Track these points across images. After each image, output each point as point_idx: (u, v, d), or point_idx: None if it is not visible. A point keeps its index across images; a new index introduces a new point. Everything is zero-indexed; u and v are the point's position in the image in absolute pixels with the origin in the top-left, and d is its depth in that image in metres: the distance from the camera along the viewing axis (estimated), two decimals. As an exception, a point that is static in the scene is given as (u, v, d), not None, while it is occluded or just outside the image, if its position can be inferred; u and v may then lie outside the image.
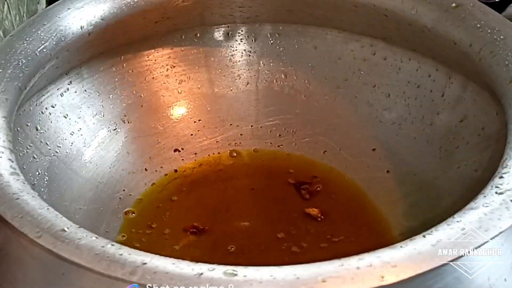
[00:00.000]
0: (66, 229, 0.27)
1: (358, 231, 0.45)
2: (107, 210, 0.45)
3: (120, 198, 0.46)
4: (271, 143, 0.52)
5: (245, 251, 0.43)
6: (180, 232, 0.45)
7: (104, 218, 0.45)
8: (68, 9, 0.42)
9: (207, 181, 0.49)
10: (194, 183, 0.49)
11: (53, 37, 0.40)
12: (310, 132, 0.51)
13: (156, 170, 0.49)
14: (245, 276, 0.24)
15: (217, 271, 0.25)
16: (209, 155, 0.51)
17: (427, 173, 0.46)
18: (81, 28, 0.42)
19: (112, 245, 0.26)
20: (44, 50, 0.39)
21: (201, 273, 0.25)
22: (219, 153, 0.51)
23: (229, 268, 0.25)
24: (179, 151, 0.50)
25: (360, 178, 0.48)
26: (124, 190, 0.47)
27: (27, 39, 0.39)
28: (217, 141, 0.51)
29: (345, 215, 0.46)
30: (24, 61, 0.38)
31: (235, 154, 0.51)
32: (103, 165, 0.47)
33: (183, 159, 0.50)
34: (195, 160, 0.50)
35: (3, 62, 0.37)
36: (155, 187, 0.48)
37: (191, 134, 0.51)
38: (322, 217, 0.45)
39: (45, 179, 0.42)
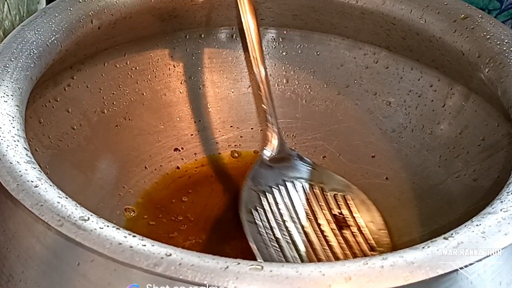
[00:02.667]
0: (87, 218, 0.27)
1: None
2: (107, 207, 0.45)
3: (119, 195, 0.46)
4: (270, 146, 0.52)
5: (246, 252, 0.43)
6: (179, 231, 0.45)
7: (104, 214, 0.44)
8: (80, 1, 0.41)
9: (206, 181, 0.49)
10: (193, 183, 0.49)
11: (64, 29, 0.40)
12: (309, 136, 0.52)
13: (156, 169, 0.49)
14: (270, 271, 0.25)
15: (243, 265, 0.25)
16: (209, 155, 0.51)
17: (426, 181, 0.47)
18: (91, 22, 0.42)
19: (134, 236, 0.26)
20: (56, 42, 0.39)
21: (227, 267, 0.25)
22: (219, 153, 0.51)
23: (255, 263, 0.25)
24: (179, 150, 0.50)
25: (359, 184, 0.48)
26: (124, 187, 0.47)
27: (39, 29, 0.39)
28: (217, 142, 0.51)
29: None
30: (35, 52, 0.37)
31: (236, 155, 0.51)
32: (104, 161, 0.46)
33: (183, 159, 0.50)
34: (195, 160, 0.50)
35: (15, 51, 0.37)
36: (155, 186, 0.48)
37: (192, 134, 0.51)
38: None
39: (47, 172, 0.41)
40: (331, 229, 0.42)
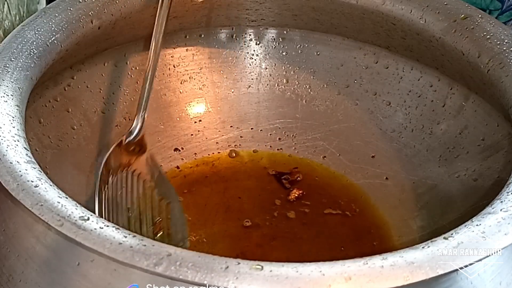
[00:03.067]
0: (87, 218, 0.27)
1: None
2: (107, 206, 0.45)
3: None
4: (270, 146, 0.52)
5: (246, 252, 0.43)
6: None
7: (104, 214, 0.44)
8: (80, 2, 0.41)
9: (206, 181, 0.49)
10: (193, 183, 0.49)
11: (64, 29, 0.40)
12: (310, 136, 0.52)
13: (155, 169, 0.49)
14: (271, 271, 0.25)
15: (243, 265, 0.25)
16: (209, 155, 0.51)
17: (426, 181, 0.47)
18: (91, 22, 0.41)
19: (134, 236, 0.26)
20: (55, 41, 0.39)
21: (227, 267, 0.25)
22: (219, 153, 0.51)
23: (255, 263, 0.25)
24: (179, 150, 0.50)
25: (359, 184, 0.49)
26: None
27: (39, 29, 0.38)
28: (217, 142, 0.51)
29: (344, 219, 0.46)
30: (35, 51, 0.37)
31: (234, 155, 0.51)
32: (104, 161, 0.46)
33: (182, 159, 0.50)
34: (195, 159, 0.50)
35: (15, 51, 0.37)
36: (155, 185, 0.48)
37: (191, 134, 0.51)
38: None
39: (46, 172, 0.41)
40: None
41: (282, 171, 0.50)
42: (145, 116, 0.44)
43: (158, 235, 0.43)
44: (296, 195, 0.48)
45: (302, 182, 0.49)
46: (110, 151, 0.44)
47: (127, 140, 0.45)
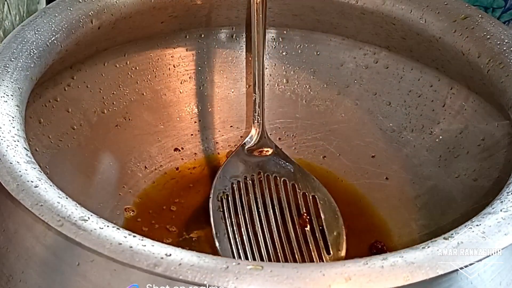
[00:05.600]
0: (87, 218, 0.27)
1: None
2: (107, 207, 0.45)
3: (120, 195, 0.46)
4: (270, 146, 0.52)
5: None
6: (178, 231, 0.45)
7: (104, 214, 0.44)
8: (80, 2, 0.41)
9: (206, 181, 0.49)
10: (193, 183, 0.49)
11: (64, 29, 0.40)
12: (310, 136, 0.52)
13: (155, 169, 0.49)
14: (271, 271, 0.25)
15: (243, 265, 0.25)
16: (209, 155, 0.51)
17: (427, 181, 0.47)
18: (91, 22, 0.41)
19: (134, 236, 0.26)
20: (55, 41, 0.39)
21: (227, 267, 0.25)
22: (218, 153, 0.51)
23: (255, 263, 0.25)
24: (179, 150, 0.50)
25: (359, 184, 0.49)
26: (124, 187, 0.47)
27: (39, 29, 0.38)
28: (217, 142, 0.51)
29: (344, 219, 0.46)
30: (35, 52, 0.37)
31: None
32: (104, 161, 0.46)
33: (182, 159, 0.50)
34: (195, 159, 0.50)
35: (15, 51, 0.37)
36: (155, 186, 0.48)
37: (192, 134, 0.51)
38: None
39: (46, 172, 0.41)
40: (294, 227, 0.43)
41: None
42: (262, 120, 0.46)
43: (306, 228, 0.43)
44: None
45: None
46: (225, 162, 0.46)
47: (247, 147, 0.47)
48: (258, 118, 0.47)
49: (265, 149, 0.48)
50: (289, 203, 0.44)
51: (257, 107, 0.46)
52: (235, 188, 0.44)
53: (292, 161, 0.47)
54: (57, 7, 0.41)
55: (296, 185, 0.46)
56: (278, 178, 0.46)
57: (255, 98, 0.46)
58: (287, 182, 0.46)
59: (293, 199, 0.45)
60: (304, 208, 0.44)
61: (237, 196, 0.44)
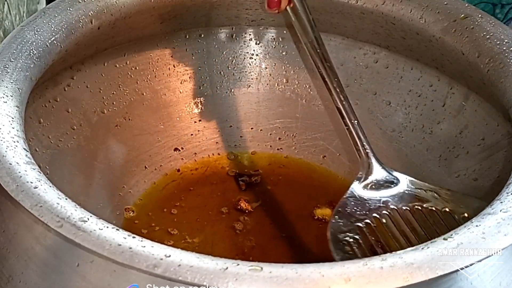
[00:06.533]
0: (86, 219, 0.27)
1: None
2: (107, 206, 0.45)
3: (120, 195, 0.46)
4: (270, 146, 0.52)
5: (246, 253, 0.43)
6: (178, 231, 0.45)
7: (104, 214, 0.44)
8: (79, 2, 0.41)
9: (206, 182, 0.49)
10: (193, 183, 0.49)
11: (63, 30, 0.40)
12: (310, 136, 0.52)
13: (155, 169, 0.49)
14: (270, 272, 0.24)
15: (242, 266, 0.25)
16: (208, 155, 0.51)
17: (427, 180, 0.46)
18: (91, 22, 0.41)
19: (134, 237, 0.26)
20: (55, 42, 0.39)
21: (226, 268, 0.25)
22: (218, 154, 0.51)
23: (254, 264, 0.25)
24: (179, 150, 0.50)
25: (359, 184, 0.48)
26: (124, 187, 0.47)
27: (39, 30, 0.38)
28: (217, 142, 0.51)
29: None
30: (35, 52, 0.37)
31: (233, 157, 0.51)
32: (104, 161, 0.46)
33: (182, 159, 0.50)
34: (194, 160, 0.50)
35: (14, 52, 0.37)
36: (155, 186, 0.48)
37: (191, 134, 0.51)
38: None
39: (46, 173, 0.42)
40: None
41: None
42: (370, 151, 0.41)
43: None
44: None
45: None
46: (340, 202, 0.38)
47: (363, 183, 0.40)
48: (362, 151, 0.41)
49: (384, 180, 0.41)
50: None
51: (356, 139, 0.41)
52: (353, 234, 0.37)
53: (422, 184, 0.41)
54: (57, 7, 0.41)
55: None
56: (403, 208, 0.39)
57: (349, 131, 0.41)
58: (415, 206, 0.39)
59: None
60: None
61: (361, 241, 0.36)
